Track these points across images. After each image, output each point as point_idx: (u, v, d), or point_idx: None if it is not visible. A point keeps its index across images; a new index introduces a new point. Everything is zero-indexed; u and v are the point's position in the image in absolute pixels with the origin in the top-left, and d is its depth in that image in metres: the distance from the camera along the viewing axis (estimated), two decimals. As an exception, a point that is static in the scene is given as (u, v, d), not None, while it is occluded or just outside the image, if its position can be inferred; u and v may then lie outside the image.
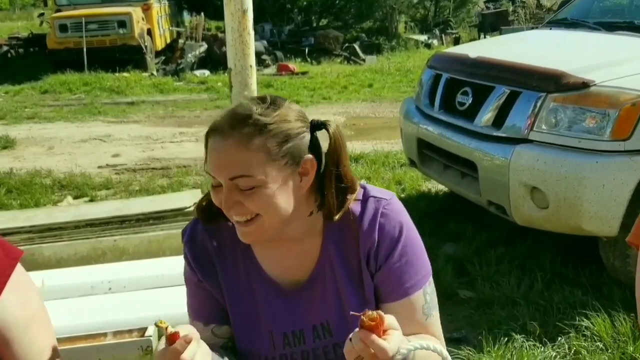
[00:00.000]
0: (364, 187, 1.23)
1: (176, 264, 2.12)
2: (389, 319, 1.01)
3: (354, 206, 1.20)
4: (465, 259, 3.36)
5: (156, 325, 1.01)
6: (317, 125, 1.19)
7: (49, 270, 2.04)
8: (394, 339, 0.99)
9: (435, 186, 4.66)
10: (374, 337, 0.97)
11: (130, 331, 1.69)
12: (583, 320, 2.66)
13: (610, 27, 3.68)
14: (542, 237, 3.39)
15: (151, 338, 1.69)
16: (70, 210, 2.76)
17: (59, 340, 1.73)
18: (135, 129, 7.66)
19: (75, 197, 4.85)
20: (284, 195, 1.12)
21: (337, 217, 1.17)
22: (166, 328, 0.99)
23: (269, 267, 1.23)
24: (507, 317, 2.77)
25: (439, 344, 1.18)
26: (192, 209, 2.45)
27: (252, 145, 1.08)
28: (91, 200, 4.78)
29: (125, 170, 5.75)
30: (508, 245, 3.49)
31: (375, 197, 1.22)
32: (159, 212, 2.38)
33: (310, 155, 1.15)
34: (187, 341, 0.99)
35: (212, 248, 1.23)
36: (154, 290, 1.95)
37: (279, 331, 1.22)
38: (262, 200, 1.09)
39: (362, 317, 0.98)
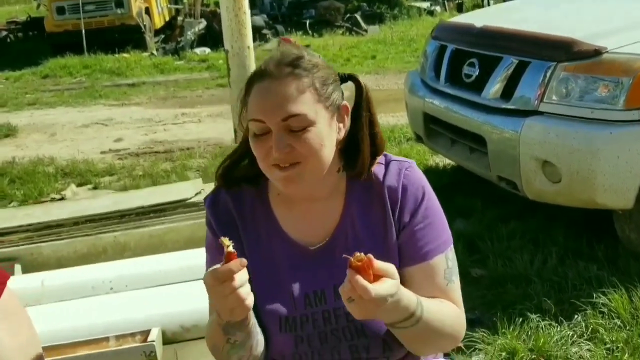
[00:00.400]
0: (384, 154, 1.27)
1: (179, 259, 2.07)
2: (382, 265, 1.03)
3: (377, 168, 1.24)
4: (476, 236, 3.28)
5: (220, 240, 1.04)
6: (344, 78, 1.24)
7: (48, 272, 1.98)
8: (383, 285, 1.01)
9: (443, 160, 4.56)
10: (358, 277, 0.99)
11: (133, 334, 1.63)
12: (599, 297, 2.58)
13: (620, -11, 3.53)
14: (554, 211, 3.30)
15: (154, 343, 1.64)
16: (68, 206, 2.69)
17: (60, 347, 1.69)
18: (137, 112, 7.58)
19: (79, 185, 4.79)
20: (329, 139, 1.15)
21: (365, 174, 1.22)
22: (228, 246, 1.01)
23: (290, 229, 1.23)
24: (521, 296, 2.70)
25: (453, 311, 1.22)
26: (194, 199, 2.38)
27: (303, 85, 1.12)
28: (95, 188, 4.72)
29: (129, 155, 5.69)
30: (519, 220, 3.41)
31: (397, 160, 1.26)
32: (159, 205, 2.31)
33: (345, 102, 1.20)
34: (243, 265, 1.01)
35: (235, 212, 1.24)
36: (157, 288, 1.89)
37: (301, 291, 1.22)
38: (312, 142, 1.12)
39: (350, 258, 1.00)
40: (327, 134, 1.14)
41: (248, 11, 3.04)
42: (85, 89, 9.12)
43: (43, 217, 2.36)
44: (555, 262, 2.96)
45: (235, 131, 3.37)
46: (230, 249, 1.01)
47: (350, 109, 1.22)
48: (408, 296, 1.10)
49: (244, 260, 1.01)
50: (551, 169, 2.83)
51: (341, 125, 1.20)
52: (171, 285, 1.89)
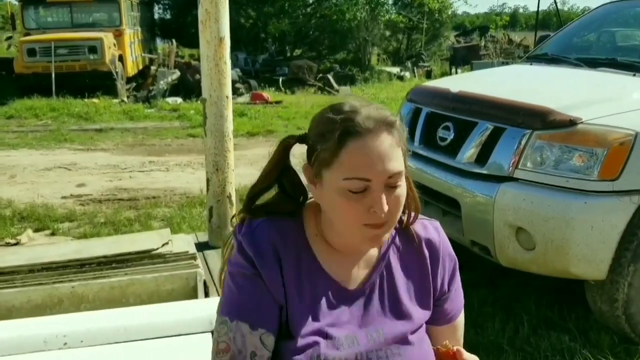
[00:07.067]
0: None
1: (141, 314, 1.93)
2: (469, 357, 1.14)
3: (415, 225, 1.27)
4: (447, 301, 3.22)
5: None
6: None
7: (-4, 322, 1.83)
8: None
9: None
10: None
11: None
12: (572, 370, 2.53)
13: (592, 63, 3.64)
14: (525, 278, 3.28)
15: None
16: (23, 252, 2.53)
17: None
18: (103, 157, 7.42)
19: (36, 230, 4.60)
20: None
21: (410, 225, 1.25)
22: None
23: (330, 268, 1.21)
24: (494, 366, 2.63)
25: None
26: (160, 250, 2.26)
27: (397, 141, 1.12)
28: (53, 234, 4.53)
29: (91, 201, 5.51)
30: (490, 287, 3.37)
31: (427, 219, 1.29)
32: (122, 255, 2.18)
33: None
34: None
35: (277, 242, 1.18)
36: (115, 345, 1.75)
37: (336, 332, 1.18)
38: (401, 199, 1.13)
39: (438, 347, 1.08)
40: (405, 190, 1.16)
41: (229, 61, 3.01)
42: (50, 131, 8.93)
43: (-5, 262, 2.20)
44: (527, 331, 2.92)
45: (208, 180, 3.29)
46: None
47: None
48: None
49: None
50: (525, 236, 2.81)
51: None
52: (132, 343, 1.75)
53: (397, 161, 1.10)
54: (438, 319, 1.29)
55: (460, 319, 1.34)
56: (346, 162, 1.09)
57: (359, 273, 1.23)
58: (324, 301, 1.19)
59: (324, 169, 1.12)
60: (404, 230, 1.26)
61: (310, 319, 1.17)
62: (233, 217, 1.30)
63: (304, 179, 1.20)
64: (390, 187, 1.11)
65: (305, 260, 1.20)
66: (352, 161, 1.08)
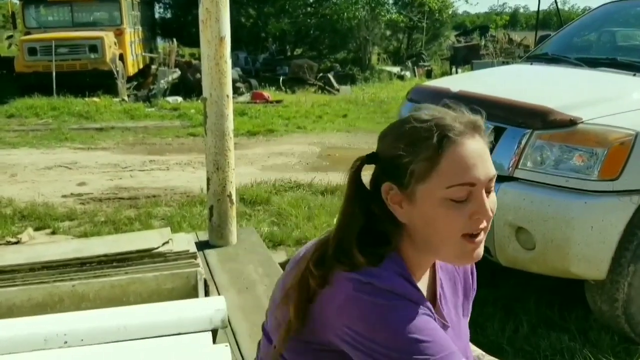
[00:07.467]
0: None
1: (142, 313, 1.93)
2: None
3: None
4: (447, 301, 3.22)
5: None
6: None
7: (-4, 321, 1.83)
8: None
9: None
10: None
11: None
12: (572, 370, 2.53)
13: (592, 63, 3.63)
14: (525, 278, 3.28)
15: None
16: (24, 250, 2.54)
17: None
18: (103, 156, 7.42)
19: (37, 229, 4.59)
20: None
21: None
22: None
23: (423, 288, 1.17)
24: (494, 365, 2.63)
25: None
26: (161, 249, 2.26)
27: (487, 144, 1.08)
28: (53, 233, 4.53)
29: (91, 200, 5.50)
30: (490, 287, 3.37)
31: None
32: (123, 254, 2.18)
33: None
34: None
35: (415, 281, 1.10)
36: (116, 344, 1.75)
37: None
38: (495, 204, 1.08)
39: None
40: None
41: (229, 60, 3.01)
42: (51, 130, 8.93)
43: (-4, 261, 2.21)
44: (527, 331, 2.92)
45: (208, 179, 3.29)
46: None
47: None
48: None
49: None
50: (525, 235, 2.81)
51: None
52: (132, 342, 1.76)
53: (492, 164, 1.07)
54: None
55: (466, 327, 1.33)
56: (448, 169, 1.01)
57: (428, 290, 1.19)
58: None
59: (421, 182, 1.03)
60: None
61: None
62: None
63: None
64: (487, 192, 1.06)
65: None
66: (455, 167, 1.01)
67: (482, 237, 1.07)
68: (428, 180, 1.02)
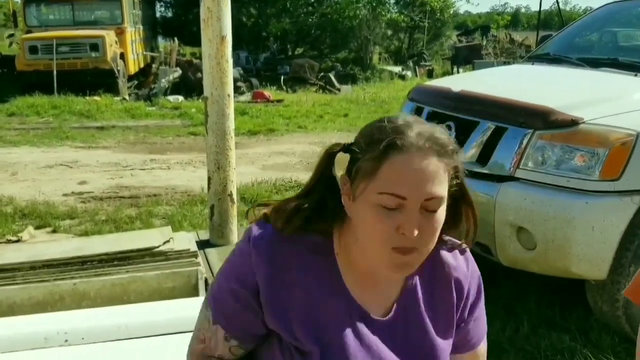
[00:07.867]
0: None
1: (142, 312, 1.93)
2: None
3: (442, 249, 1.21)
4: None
5: None
6: None
7: (-2, 319, 1.83)
8: None
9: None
10: None
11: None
12: (573, 370, 2.53)
13: (594, 63, 3.63)
14: (526, 278, 3.28)
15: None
16: (25, 249, 2.54)
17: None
18: (104, 155, 7.42)
19: (37, 227, 4.60)
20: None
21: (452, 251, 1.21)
22: None
23: (354, 292, 1.15)
24: (494, 365, 2.63)
25: None
26: (161, 248, 2.26)
27: (445, 165, 1.04)
28: (54, 231, 4.53)
29: (92, 199, 5.51)
30: (491, 286, 3.36)
31: (453, 240, 1.21)
32: (124, 252, 2.18)
33: None
34: None
35: (297, 259, 1.12)
36: (116, 342, 1.75)
37: (361, 358, 1.13)
38: (437, 226, 1.05)
39: None
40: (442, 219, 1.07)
41: (230, 60, 3.02)
42: (52, 129, 8.93)
43: (-3, 259, 2.21)
44: (527, 330, 2.92)
45: (209, 178, 3.29)
46: None
47: None
48: None
49: None
50: (526, 235, 2.81)
51: None
52: (133, 340, 1.76)
53: (439, 186, 1.02)
54: (459, 345, 1.24)
55: (482, 347, 1.28)
56: (385, 175, 1.02)
57: (386, 300, 1.17)
58: (343, 324, 1.13)
59: (363, 180, 1.04)
60: (432, 257, 1.15)
61: (322, 344, 1.11)
62: (249, 210, 1.21)
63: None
64: (427, 210, 1.03)
65: (328, 278, 1.13)
66: (391, 175, 1.01)
67: (414, 255, 1.05)
68: (367, 181, 1.04)
